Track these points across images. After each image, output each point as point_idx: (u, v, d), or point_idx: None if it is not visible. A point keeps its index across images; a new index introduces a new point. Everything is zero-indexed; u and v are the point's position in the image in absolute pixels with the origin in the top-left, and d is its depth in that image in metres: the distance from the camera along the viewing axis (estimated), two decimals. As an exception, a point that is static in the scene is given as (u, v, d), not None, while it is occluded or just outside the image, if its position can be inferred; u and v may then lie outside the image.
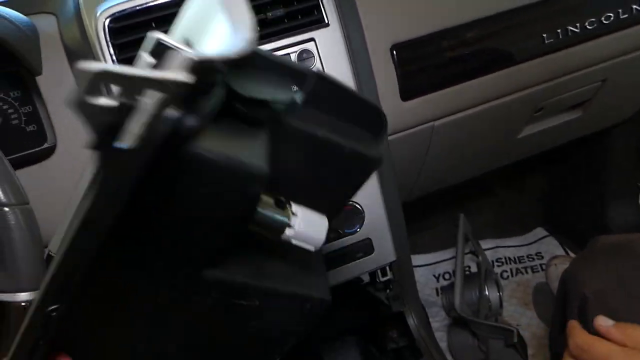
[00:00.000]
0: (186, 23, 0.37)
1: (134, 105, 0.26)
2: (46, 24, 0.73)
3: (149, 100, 0.26)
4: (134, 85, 0.25)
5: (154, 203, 0.33)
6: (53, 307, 0.35)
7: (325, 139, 0.39)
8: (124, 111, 0.26)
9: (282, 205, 0.39)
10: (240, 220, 0.36)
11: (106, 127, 0.26)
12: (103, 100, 0.25)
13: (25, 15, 0.70)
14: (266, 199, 0.38)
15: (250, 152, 0.33)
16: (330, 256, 0.79)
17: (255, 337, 0.45)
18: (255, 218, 0.37)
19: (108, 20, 0.69)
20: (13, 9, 0.69)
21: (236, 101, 0.34)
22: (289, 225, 0.39)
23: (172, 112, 0.28)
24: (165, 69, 0.28)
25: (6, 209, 0.48)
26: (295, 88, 0.39)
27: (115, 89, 0.26)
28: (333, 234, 0.78)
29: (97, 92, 0.25)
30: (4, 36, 0.63)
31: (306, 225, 0.39)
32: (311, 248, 0.40)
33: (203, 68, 0.28)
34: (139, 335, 0.42)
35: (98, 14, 0.69)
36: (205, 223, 0.35)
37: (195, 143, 0.30)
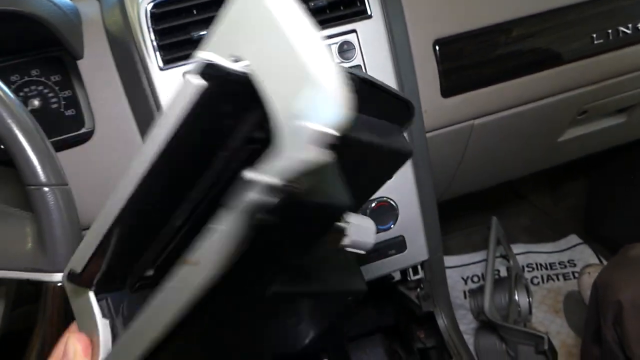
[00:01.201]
0: (227, 29, 0.33)
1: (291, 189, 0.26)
2: (89, 9, 0.74)
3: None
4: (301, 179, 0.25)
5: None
6: None
7: (368, 143, 0.37)
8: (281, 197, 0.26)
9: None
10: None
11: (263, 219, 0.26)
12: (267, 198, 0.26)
13: (70, -1, 0.71)
14: None
15: (332, 188, 0.32)
16: (362, 252, 0.78)
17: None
18: None
19: (150, 5, 0.69)
20: (59, -8, 0.69)
21: None
22: (345, 235, 0.39)
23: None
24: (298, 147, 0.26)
25: (46, 189, 0.48)
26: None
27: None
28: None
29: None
30: (49, 18, 0.63)
31: (358, 232, 0.39)
32: (362, 252, 0.40)
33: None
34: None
35: (140, 0, 0.69)
36: (286, 248, 0.35)
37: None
